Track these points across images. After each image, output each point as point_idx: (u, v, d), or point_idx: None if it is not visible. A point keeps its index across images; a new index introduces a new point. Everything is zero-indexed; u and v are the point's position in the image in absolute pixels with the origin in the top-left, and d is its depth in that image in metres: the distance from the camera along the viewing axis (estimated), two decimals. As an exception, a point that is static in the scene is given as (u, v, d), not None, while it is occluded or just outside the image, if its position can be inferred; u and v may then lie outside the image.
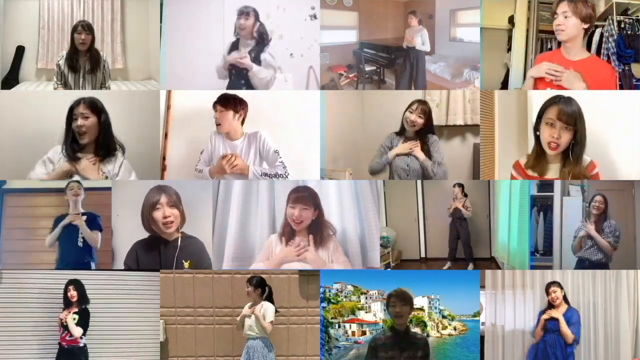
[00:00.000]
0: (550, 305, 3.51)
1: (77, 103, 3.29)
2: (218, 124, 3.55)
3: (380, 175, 3.85)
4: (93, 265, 3.64)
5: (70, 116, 3.28)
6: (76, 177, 3.37)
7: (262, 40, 3.83)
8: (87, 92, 3.73)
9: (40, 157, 3.34)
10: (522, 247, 4.16)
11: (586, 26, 3.22)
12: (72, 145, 3.30)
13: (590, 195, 4.08)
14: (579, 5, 3.15)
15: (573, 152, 2.96)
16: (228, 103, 3.54)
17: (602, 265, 3.64)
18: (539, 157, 3.07)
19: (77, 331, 3.38)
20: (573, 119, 2.90)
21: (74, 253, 3.59)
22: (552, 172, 3.08)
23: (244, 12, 3.79)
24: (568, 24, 3.19)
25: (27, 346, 3.57)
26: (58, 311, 3.46)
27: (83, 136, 3.28)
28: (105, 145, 3.33)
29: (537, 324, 3.54)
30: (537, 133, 3.04)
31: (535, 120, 3.07)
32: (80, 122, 3.26)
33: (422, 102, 3.76)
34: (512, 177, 3.21)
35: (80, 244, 3.59)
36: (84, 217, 3.60)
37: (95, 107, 3.31)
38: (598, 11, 4.32)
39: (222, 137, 3.62)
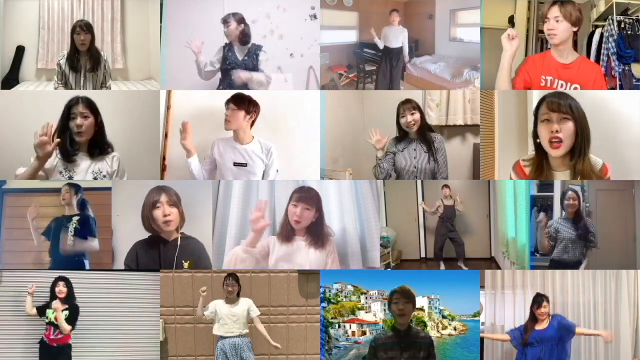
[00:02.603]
0: (533, 317, 3.41)
1: (75, 101, 3.29)
2: (227, 121, 3.55)
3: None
4: (87, 264, 3.64)
5: (68, 114, 3.29)
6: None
7: (247, 40, 3.91)
8: (87, 92, 3.74)
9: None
10: (523, 247, 4.16)
11: (575, 29, 3.23)
12: (70, 144, 3.30)
13: (589, 195, 4.08)
14: (569, 8, 3.17)
15: (578, 147, 2.73)
16: (241, 103, 3.56)
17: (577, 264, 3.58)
18: (541, 165, 2.85)
19: (67, 327, 3.41)
20: (567, 107, 2.70)
21: (60, 249, 3.60)
22: (559, 179, 2.91)
23: (224, 21, 3.88)
24: (560, 28, 3.19)
25: (27, 346, 3.57)
26: (58, 311, 3.48)
27: (80, 135, 3.28)
28: (100, 145, 3.35)
29: (521, 335, 3.42)
30: (537, 140, 2.81)
31: (532, 128, 2.87)
32: (79, 121, 3.26)
33: (406, 101, 3.74)
34: (511, 179, 3.07)
35: (70, 242, 3.60)
36: (77, 217, 3.62)
37: (93, 107, 3.32)
38: (598, 11, 4.34)
39: (229, 142, 3.62)
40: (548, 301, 3.41)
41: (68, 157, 3.29)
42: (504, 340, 3.53)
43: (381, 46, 4.81)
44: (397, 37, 4.81)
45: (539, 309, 3.37)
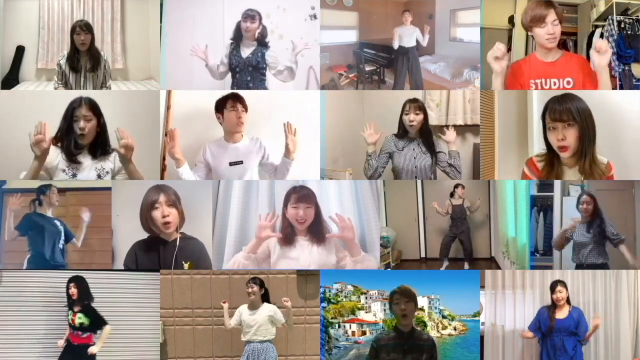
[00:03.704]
0: (554, 304, 3.49)
1: (78, 104, 3.29)
2: (242, 123, 3.58)
3: (384, 176, 3.85)
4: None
5: (71, 116, 3.28)
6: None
7: (263, 41, 3.88)
8: (87, 92, 3.74)
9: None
10: (523, 247, 4.16)
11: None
12: (74, 146, 3.31)
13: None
14: (560, 9, 3.21)
15: (584, 148, 2.88)
16: (244, 103, 3.59)
17: (603, 266, 3.61)
18: (552, 163, 3.01)
19: (96, 347, 3.37)
20: (569, 115, 2.82)
21: (51, 254, 3.58)
22: (569, 175, 3.03)
23: (249, 16, 3.83)
24: (557, 31, 3.21)
25: (27, 346, 3.57)
26: (58, 311, 3.47)
27: (83, 138, 3.29)
28: (102, 147, 3.35)
29: (545, 323, 3.49)
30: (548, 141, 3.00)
31: (543, 131, 3.01)
32: (82, 124, 3.27)
33: (414, 100, 3.75)
34: (524, 176, 3.13)
35: (61, 245, 3.61)
36: (59, 222, 3.65)
37: (96, 109, 3.32)
38: (598, 11, 4.34)
39: (220, 144, 3.63)
40: (564, 286, 3.46)
41: (72, 158, 3.30)
42: (529, 337, 3.55)
43: (396, 46, 4.79)
44: (411, 36, 4.80)
45: (553, 294, 3.46)
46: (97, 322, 3.37)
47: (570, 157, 2.93)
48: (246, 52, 3.87)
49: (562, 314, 3.45)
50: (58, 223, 3.66)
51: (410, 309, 2.74)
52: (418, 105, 3.72)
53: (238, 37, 3.88)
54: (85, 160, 3.34)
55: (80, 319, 3.35)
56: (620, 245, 3.52)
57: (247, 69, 3.85)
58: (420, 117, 3.71)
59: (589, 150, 2.88)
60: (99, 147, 3.35)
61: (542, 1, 3.19)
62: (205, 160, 3.63)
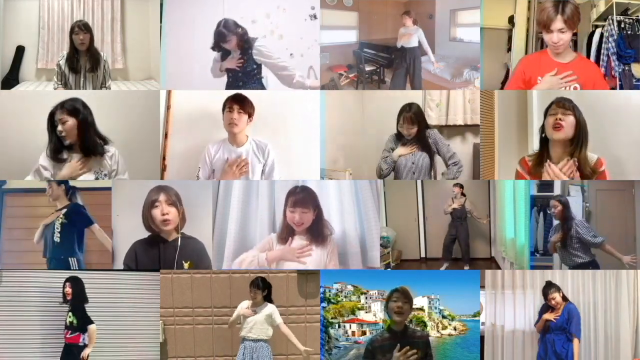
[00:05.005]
0: (551, 307, 3.50)
1: (56, 108, 3.31)
2: (234, 124, 3.52)
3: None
4: (80, 263, 3.58)
5: (52, 122, 3.30)
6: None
7: (245, 44, 3.76)
8: (87, 92, 3.74)
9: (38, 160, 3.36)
10: (522, 247, 4.16)
11: (574, 31, 3.25)
12: (59, 148, 3.33)
13: (590, 195, 4.08)
14: (571, 14, 3.12)
15: (577, 138, 3.02)
16: (246, 106, 3.53)
17: (592, 265, 3.61)
18: (542, 156, 3.08)
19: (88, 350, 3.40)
20: (572, 108, 3.00)
21: (52, 249, 3.54)
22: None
23: (222, 35, 3.68)
24: (565, 38, 3.17)
25: (27, 346, 3.57)
26: (58, 311, 3.48)
27: (65, 139, 3.31)
28: (87, 144, 3.34)
29: (538, 321, 3.55)
30: (543, 134, 3.09)
31: (541, 124, 3.12)
32: (59, 127, 3.29)
33: (407, 111, 3.73)
34: (518, 175, 3.19)
35: (57, 239, 3.53)
36: (64, 211, 3.55)
37: (73, 109, 3.31)
38: (598, 11, 4.33)
39: (223, 145, 3.62)
40: (557, 289, 3.48)
41: (58, 161, 3.33)
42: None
43: (398, 46, 4.80)
44: (412, 36, 4.80)
45: (548, 300, 3.49)
46: (83, 322, 3.40)
47: (561, 147, 3.02)
48: (232, 61, 3.79)
49: (557, 313, 3.47)
50: (62, 212, 3.58)
51: (406, 309, 2.76)
52: (410, 117, 3.70)
53: (220, 47, 3.77)
54: (74, 158, 3.35)
55: (69, 317, 3.40)
56: (604, 247, 3.53)
57: (237, 75, 3.81)
58: (414, 130, 3.71)
59: (583, 143, 3.01)
60: (85, 145, 3.33)
61: (552, 4, 3.12)
62: (208, 162, 3.61)
